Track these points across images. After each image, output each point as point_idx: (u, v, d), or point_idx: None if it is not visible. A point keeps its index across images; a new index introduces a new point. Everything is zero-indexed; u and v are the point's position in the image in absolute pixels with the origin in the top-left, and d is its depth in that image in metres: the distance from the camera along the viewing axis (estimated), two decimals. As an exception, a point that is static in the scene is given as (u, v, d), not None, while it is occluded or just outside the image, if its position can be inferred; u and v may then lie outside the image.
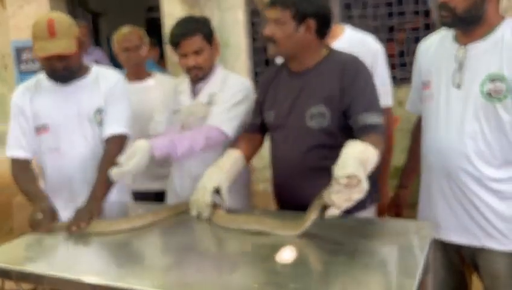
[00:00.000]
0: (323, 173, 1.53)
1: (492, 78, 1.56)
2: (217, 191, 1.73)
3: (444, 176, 1.70)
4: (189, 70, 2.07)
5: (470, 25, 1.60)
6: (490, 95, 1.57)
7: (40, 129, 2.06)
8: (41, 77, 2.11)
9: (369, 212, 1.83)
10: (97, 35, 6.64)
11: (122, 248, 1.60)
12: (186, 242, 1.61)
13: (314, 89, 1.75)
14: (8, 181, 2.11)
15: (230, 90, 2.08)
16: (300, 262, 1.37)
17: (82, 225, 1.70)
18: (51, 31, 1.88)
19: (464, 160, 1.63)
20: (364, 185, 1.33)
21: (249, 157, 1.94)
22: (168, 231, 1.73)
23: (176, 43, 2.03)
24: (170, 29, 2.06)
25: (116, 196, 2.10)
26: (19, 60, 4.55)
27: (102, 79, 2.11)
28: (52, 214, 1.78)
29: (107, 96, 2.08)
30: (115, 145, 2.02)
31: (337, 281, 1.22)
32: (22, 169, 2.04)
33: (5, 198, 2.33)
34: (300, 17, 1.69)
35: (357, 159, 1.37)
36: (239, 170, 1.86)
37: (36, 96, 2.07)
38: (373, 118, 1.64)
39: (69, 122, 2.05)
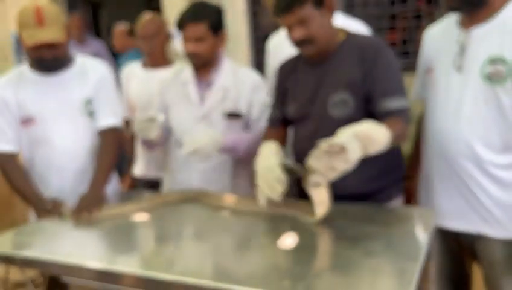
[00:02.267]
0: None
1: (493, 61, 1.55)
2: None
3: (442, 161, 1.70)
4: (187, 56, 2.05)
5: (476, 7, 1.59)
6: (490, 78, 1.56)
7: (26, 122, 2.02)
8: (24, 69, 2.06)
9: (396, 203, 1.80)
10: (97, 26, 6.62)
11: (124, 234, 1.61)
12: (187, 228, 1.64)
13: (335, 76, 1.68)
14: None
15: (258, 93, 2.08)
16: (303, 247, 1.37)
17: (93, 213, 1.74)
18: (39, 19, 1.84)
19: (462, 144, 1.63)
20: (351, 156, 1.32)
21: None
22: (169, 217, 1.75)
23: (180, 26, 2.00)
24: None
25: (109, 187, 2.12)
26: (18, 51, 4.56)
27: (90, 70, 2.10)
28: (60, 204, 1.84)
29: (97, 87, 2.08)
30: (112, 137, 2.07)
31: (339, 265, 1.23)
32: (9, 163, 2.02)
33: (7, 189, 2.33)
34: (319, 1, 1.60)
35: (353, 132, 1.36)
36: None
37: (20, 88, 2.02)
38: (394, 103, 1.59)
39: (56, 114, 2.02)
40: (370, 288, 1.13)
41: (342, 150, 1.32)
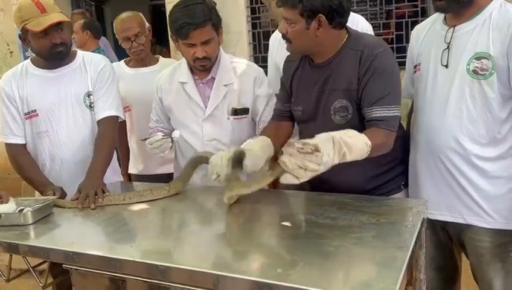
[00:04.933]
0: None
1: (479, 57, 1.59)
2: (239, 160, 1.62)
3: (429, 154, 1.74)
4: (196, 60, 1.97)
5: (463, 7, 1.63)
6: (476, 72, 1.60)
7: (29, 115, 2.11)
8: (27, 63, 2.15)
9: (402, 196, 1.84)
10: (102, 23, 6.66)
11: (125, 222, 1.65)
12: (183, 217, 1.68)
13: (335, 82, 1.70)
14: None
15: (261, 85, 2.06)
16: (295, 236, 1.41)
17: (99, 201, 1.79)
18: (40, 8, 1.94)
19: (449, 138, 1.67)
20: (324, 159, 1.33)
21: (277, 146, 1.85)
22: (165, 206, 1.79)
23: (184, 34, 1.88)
24: (174, 15, 1.91)
25: (111, 177, 2.18)
26: (23, 46, 4.61)
27: (89, 64, 2.16)
28: (62, 193, 1.90)
29: (95, 81, 2.14)
30: (108, 126, 2.12)
31: (331, 253, 1.26)
32: (18, 154, 2.13)
33: (13, 181, 2.38)
34: (309, 14, 1.61)
35: (330, 137, 1.39)
36: (267, 155, 1.77)
37: (23, 83, 2.11)
38: (379, 112, 1.60)
39: (57, 107, 2.10)
40: (360, 276, 1.16)
41: (315, 150, 1.33)
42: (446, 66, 1.68)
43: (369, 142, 1.48)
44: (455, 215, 1.72)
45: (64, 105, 2.10)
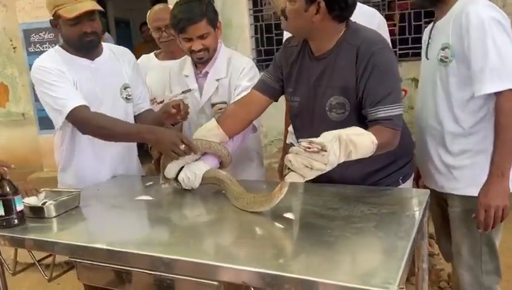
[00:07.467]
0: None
1: (444, 47, 1.78)
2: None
3: (418, 132, 1.97)
4: (193, 53, 2.07)
5: (436, 3, 1.84)
6: (442, 60, 1.79)
7: None
8: (58, 50, 2.08)
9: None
10: (105, 18, 6.67)
11: (129, 215, 1.66)
12: (186, 210, 1.71)
13: (331, 78, 1.66)
14: (24, 158, 2.18)
15: (244, 77, 2.08)
16: (297, 227, 1.42)
17: None
18: None
19: (427, 118, 1.89)
20: (331, 158, 1.31)
21: (235, 131, 1.91)
22: (168, 199, 1.81)
23: (181, 29, 2.01)
24: (173, 11, 2.04)
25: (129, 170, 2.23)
26: (27, 42, 4.64)
27: (121, 55, 2.19)
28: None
29: (131, 76, 2.19)
30: (146, 120, 2.17)
31: (333, 243, 1.27)
32: (86, 111, 1.98)
33: (22, 175, 2.38)
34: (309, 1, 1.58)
35: (337, 135, 1.37)
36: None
37: (66, 66, 2.02)
38: (383, 112, 1.57)
39: (94, 98, 2.06)
40: (362, 265, 1.17)
41: (322, 149, 1.31)
42: (427, 58, 1.89)
43: (376, 141, 1.46)
44: (438, 186, 1.90)
45: (100, 96, 2.08)
